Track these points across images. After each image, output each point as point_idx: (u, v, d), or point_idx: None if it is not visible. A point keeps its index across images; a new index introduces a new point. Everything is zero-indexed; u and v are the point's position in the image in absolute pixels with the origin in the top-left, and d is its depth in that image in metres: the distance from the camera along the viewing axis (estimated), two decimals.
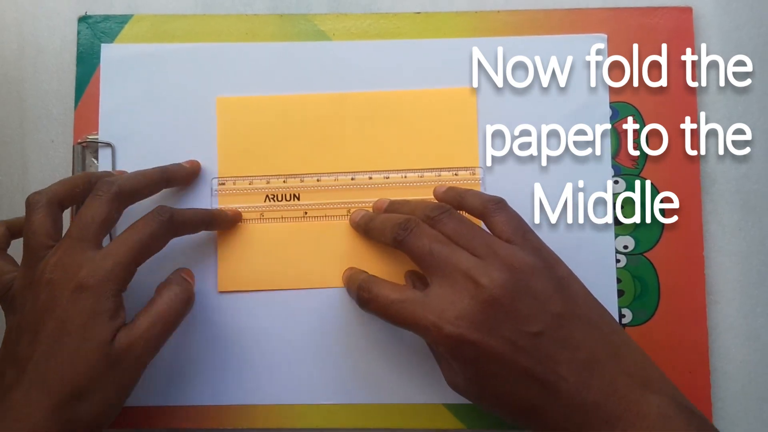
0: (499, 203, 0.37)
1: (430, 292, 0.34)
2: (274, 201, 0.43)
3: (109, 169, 0.43)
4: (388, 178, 0.42)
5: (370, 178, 0.42)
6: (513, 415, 0.34)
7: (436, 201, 0.40)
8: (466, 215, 0.38)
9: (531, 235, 0.36)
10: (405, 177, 0.42)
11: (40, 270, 0.35)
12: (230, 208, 0.42)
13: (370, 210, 0.42)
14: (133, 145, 0.43)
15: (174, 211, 0.37)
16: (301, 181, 0.43)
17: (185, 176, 0.42)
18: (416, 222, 0.36)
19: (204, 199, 0.43)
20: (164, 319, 0.36)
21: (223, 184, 0.43)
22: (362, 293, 0.37)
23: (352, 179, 0.42)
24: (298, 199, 0.42)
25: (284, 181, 0.43)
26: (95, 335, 0.34)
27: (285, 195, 0.43)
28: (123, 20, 0.44)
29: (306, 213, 0.42)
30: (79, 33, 0.44)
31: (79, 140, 0.43)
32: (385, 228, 0.38)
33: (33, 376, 0.33)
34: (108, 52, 0.44)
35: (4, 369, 0.35)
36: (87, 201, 0.36)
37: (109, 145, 0.43)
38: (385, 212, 0.41)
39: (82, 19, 0.44)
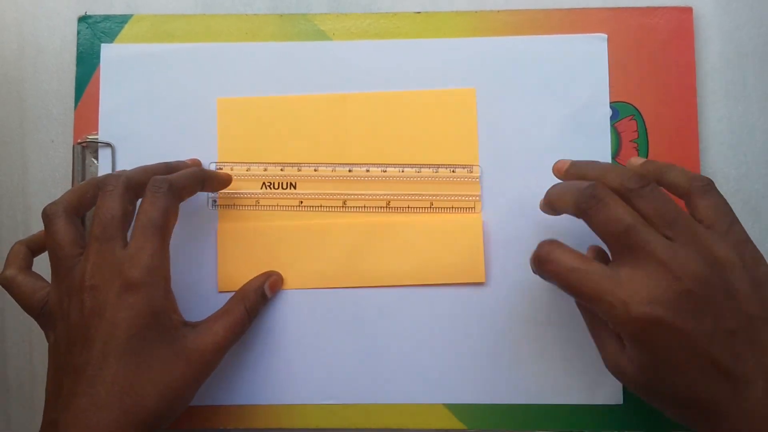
0: (709, 184, 0.34)
1: (619, 270, 0.32)
2: (271, 188, 0.43)
3: (108, 169, 0.43)
4: (385, 171, 0.42)
5: (368, 170, 0.42)
6: (684, 411, 0.32)
7: (626, 168, 0.36)
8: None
9: (737, 226, 0.34)
10: (402, 171, 0.42)
11: (77, 278, 0.35)
12: (221, 171, 0.42)
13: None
14: (133, 145, 0.43)
15: (169, 179, 0.37)
16: (299, 170, 0.43)
17: (189, 172, 0.41)
18: (607, 192, 0.33)
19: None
20: (237, 331, 0.38)
21: (221, 168, 0.43)
22: (540, 253, 0.34)
23: (350, 171, 0.42)
24: (295, 187, 0.42)
25: (281, 170, 0.43)
26: (158, 334, 0.34)
27: (282, 183, 0.43)
28: (123, 20, 0.44)
29: (301, 202, 0.42)
30: (79, 33, 0.44)
31: (79, 140, 0.43)
32: (567, 193, 0.35)
33: (97, 381, 0.33)
34: (108, 52, 0.44)
35: (60, 380, 0.35)
36: (99, 200, 0.36)
37: (109, 145, 0.43)
38: (568, 176, 0.38)
39: (82, 19, 0.44)
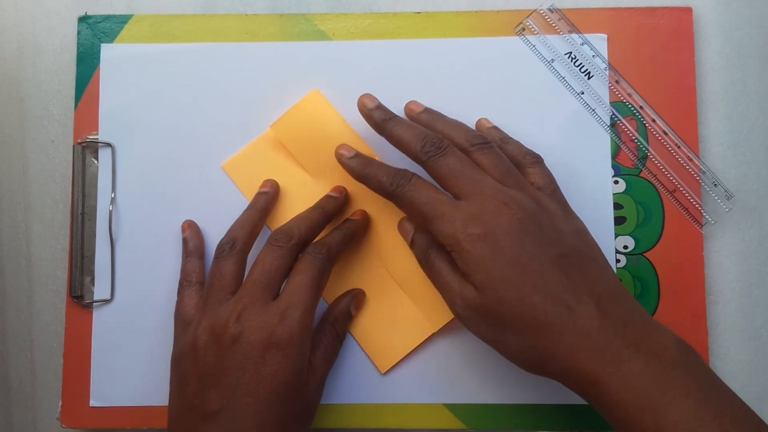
0: (537, 158, 0.39)
1: (460, 201, 0.36)
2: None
3: (108, 169, 0.43)
4: None
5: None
6: (525, 336, 0.34)
7: (473, 129, 0.40)
8: None
9: (559, 193, 0.38)
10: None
11: (224, 317, 0.36)
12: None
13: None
14: (133, 145, 0.43)
15: (327, 242, 0.39)
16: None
17: (339, 207, 0.42)
18: (448, 143, 0.37)
19: (213, 180, 0.43)
20: (333, 360, 0.40)
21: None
22: (401, 179, 0.37)
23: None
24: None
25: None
26: (296, 390, 0.35)
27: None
28: (123, 20, 0.44)
29: None
30: (79, 33, 0.44)
31: (79, 140, 0.43)
32: (414, 140, 0.37)
33: (230, 430, 0.34)
34: (108, 52, 0.44)
35: (187, 419, 0.35)
36: (266, 250, 0.37)
37: (109, 145, 0.43)
38: (418, 120, 0.40)
39: (82, 19, 0.44)
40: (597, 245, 0.37)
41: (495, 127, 0.42)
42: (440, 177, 0.37)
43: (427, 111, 0.40)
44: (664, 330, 0.34)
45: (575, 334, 0.33)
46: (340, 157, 0.40)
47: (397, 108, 0.42)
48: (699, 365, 0.33)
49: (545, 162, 0.40)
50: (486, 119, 0.42)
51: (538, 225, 0.35)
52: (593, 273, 0.35)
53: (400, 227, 0.41)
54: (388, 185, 0.37)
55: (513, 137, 0.41)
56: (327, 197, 0.41)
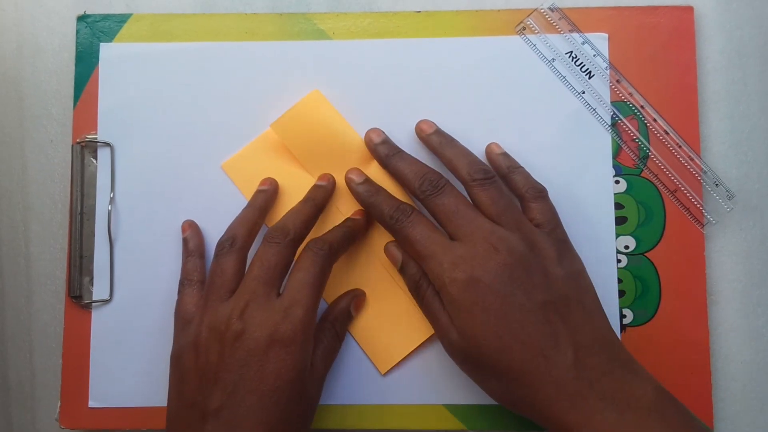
0: (542, 192, 0.39)
1: (453, 241, 0.36)
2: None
3: (108, 169, 0.43)
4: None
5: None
6: (502, 382, 0.34)
7: (478, 160, 0.39)
8: None
9: (560, 229, 0.38)
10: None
11: (226, 313, 0.36)
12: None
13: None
14: (132, 144, 0.43)
15: (329, 240, 0.39)
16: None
17: (328, 195, 0.42)
18: (446, 181, 0.38)
19: (212, 179, 0.43)
20: (332, 359, 0.40)
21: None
22: (400, 214, 0.38)
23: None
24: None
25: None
26: (299, 388, 0.35)
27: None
28: (122, 19, 0.44)
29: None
30: (78, 32, 0.44)
31: (78, 140, 0.43)
32: (413, 177, 0.38)
33: (236, 428, 0.34)
34: (107, 51, 0.44)
35: (187, 416, 0.35)
36: (264, 248, 0.37)
37: (108, 144, 0.43)
38: (427, 142, 0.40)
39: (81, 19, 0.44)
40: (591, 288, 0.37)
41: (504, 154, 0.41)
42: (436, 216, 0.38)
43: (438, 134, 0.41)
44: (642, 377, 0.34)
45: (551, 385, 0.33)
46: (349, 182, 0.41)
47: (399, 109, 0.43)
48: (675, 411, 0.33)
49: (549, 192, 0.40)
50: (496, 144, 0.41)
51: (526, 270, 0.35)
52: (578, 321, 0.35)
53: (388, 252, 0.41)
54: (387, 218, 0.38)
55: (522, 166, 0.41)
56: (315, 187, 0.41)
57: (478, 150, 0.42)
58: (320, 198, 0.41)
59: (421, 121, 0.41)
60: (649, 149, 0.42)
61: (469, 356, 0.35)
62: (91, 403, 0.42)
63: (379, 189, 0.40)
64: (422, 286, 0.38)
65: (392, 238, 0.41)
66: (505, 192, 0.38)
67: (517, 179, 0.40)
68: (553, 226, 0.38)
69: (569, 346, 0.34)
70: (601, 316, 0.36)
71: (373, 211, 0.40)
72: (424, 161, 0.40)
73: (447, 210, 0.37)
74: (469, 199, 0.38)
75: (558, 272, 0.36)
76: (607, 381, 0.33)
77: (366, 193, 0.40)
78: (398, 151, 0.40)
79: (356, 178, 0.40)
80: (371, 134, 0.41)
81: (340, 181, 0.42)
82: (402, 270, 0.40)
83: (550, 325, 0.34)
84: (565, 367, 0.33)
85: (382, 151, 0.40)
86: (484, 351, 0.34)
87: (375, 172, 0.42)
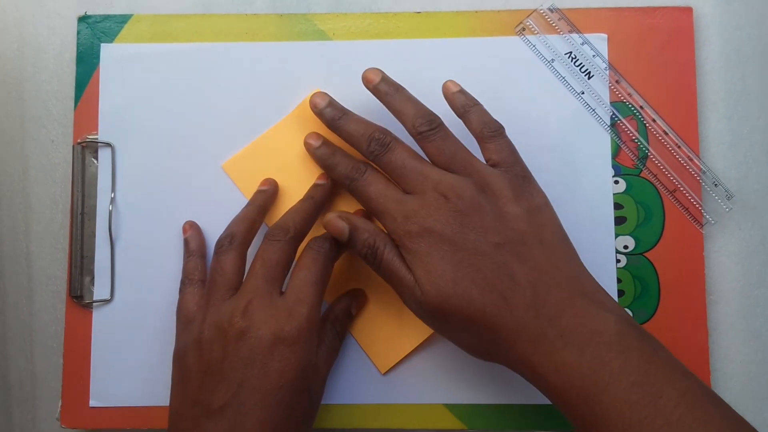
0: (497, 129, 0.38)
1: (406, 197, 0.36)
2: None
3: (108, 169, 0.43)
4: None
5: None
6: (470, 333, 0.34)
7: (423, 109, 0.38)
8: None
9: (519, 167, 0.37)
10: None
11: (228, 311, 0.36)
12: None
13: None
14: (133, 144, 0.43)
15: (329, 238, 0.38)
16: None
17: (328, 193, 0.41)
18: (392, 138, 0.38)
19: (213, 180, 0.43)
20: (334, 358, 0.40)
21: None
22: (356, 173, 0.38)
23: None
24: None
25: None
26: (302, 386, 0.35)
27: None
28: (123, 20, 0.44)
29: None
30: (78, 33, 0.44)
31: (78, 140, 0.43)
32: (361, 139, 0.38)
33: (238, 427, 0.34)
34: (108, 51, 0.44)
35: (191, 413, 0.35)
36: (265, 246, 0.37)
37: (108, 145, 0.43)
38: (375, 91, 0.39)
39: (82, 19, 0.44)
40: (552, 222, 0.36)
41: (461, 91, 0.39)
42: (388, 174, 0.38)
43: (385, 81, 0.39)
44: (606, 309, 0.33)
45: (512, 326, 0.33)
46: (308, 147, 0.41)
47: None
48: (638, 345, 0.32)
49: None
50: (452, 82, 0.40)
51: (478, 213, 0.35)
52: (536, 258, 0.34)
53: (330, 224, 0.38)
54: (345, 179, 0.38)
55: (481, 103, 0.39)
56: (314, 186, 0.41)
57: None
58: (320, 196, 0.41)
59: (367, 70, 0.40)
60: (648, 149, 0.43)
61: (433, 310, 0.34)
62: (92, 403, 0.42)
63: (336, 149, 0.40)
64: (378, 248, 0.36)
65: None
66: (452, 137, 0.37)
67: (473, 118, 0.38)
68: (510, 163, 0.37)
69: (527, 286, 0.33)
70: (564, 250, 0.36)
71: (332, 174, 0.40)
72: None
73: (395, 166, 0.37)
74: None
75: (514, 210, 0.35)
76: (568, 317, 0.33)
77: (324, 155, 0.40)
78: (345, 113, 0.40)
79: (314, 143, 0.40)
80: (315, 99, 0.40)
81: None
82: (351, 240, 0.37)
83: (505, 266, 0.34)
84: (525, 306, 0.33)
85: (329, 114, 0.40)
86: (446, 299, 0.34)
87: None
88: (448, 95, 0.40)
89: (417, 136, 0.37)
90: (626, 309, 0.42)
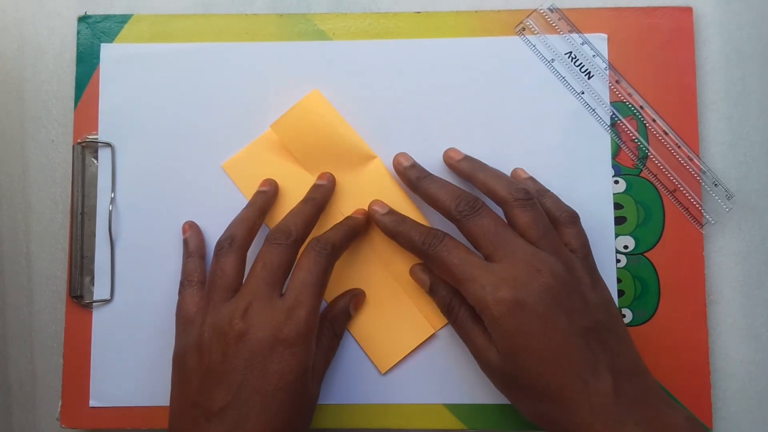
0: (575, 217, 0.39)
1: (491, 263, 0.36)
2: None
3: (108, 169, 0.43)
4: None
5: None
6: (540, 404, 0.34)
7: (516, 181, 0.39)
8: None
9: (591, 257, 0.38)
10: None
11: (228, 314, 0.36)
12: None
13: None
14: (133, 144, 0.43)
15: (331, 239, 0.38)
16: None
17: (328, 194, 0.42)
18: (483, 203, 0.38)
19: (213, 180, 0.43)
20: (331, 358, 0.40)
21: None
22: (433, 239, 0.38)
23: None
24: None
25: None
26: (301, 388, 0.35)
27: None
28: (123, 20, 0.44)
29: None
30: (78, 33, 0.44)
31: (79, 140, 0.43)
32: (448, 199, 0.38)
33: (239, 428, 0.34)
34: (108, 52, 0.44)
35: (192, 415, 0.35)
36: (267, 248, 0.37)
37: (108, 144, 0.43)
38: (457, 168, 0.40)
39: (82, 19, 0.44)
40: (620, 316, 0.38)
41: (531, 178, 0.41)
42: (473, 237, 0.37)
43: (467, 159, 0.41)
44: (675, 407, 0.35)
45: (589, 410, 0.33)
46: (373, 214, 0.41)
47: (399, 109, 0.43)
48: None
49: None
50: (522, 170, 0.41)
51: (567, 294, 0.35)
52: (615, 347, 0.35)
53: (414, 276, 0.41)
54: (420, 244, 0.38)
55: (550, 190, 0.41)
56: (315, 186, 0.41)
57: (482, 155, 0.42)
58: (320, 197, 0.41)
59: (448, 150, 0.41)
60: (648, 149, 0.43)
61: (508, 377, 0.35)
62: (92, 403, 0.42)
63: (405, 218, 0.40)
64: (454, 307, 0.38)
65: (396, 247, 0.41)
66: (544, 213, 0.38)
67: (550, 203, 0.39)
68: (586, 252, 0.38)
69: (608, 372, 0.34)
70: (632, 345, 0.37)
71: (401, 240, 0.39)
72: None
73: (486, 231, 0.36)
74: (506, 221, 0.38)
75: (594, 298, 0.36)
76: (643, 408, 0.34)
77: (392, 223, 0.40)
78: (428, 174, 0.40)
79: (380, 210, 0.40)
80: (400, 158, 0.41)
81: (340, 180, 0.42)
82: (431, 292, 0.40)
83: (590, 350, 0.34)
84: (604, 392, 0.33)
85: (413, 174, 0.40)
86: (525, 373, 0.34)
87: (376, 177, 0.42)
88: (520, 180, 0.41)
89: (514, 202, 0.37)
90: (626, 309, 0.42)
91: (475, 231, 0.37)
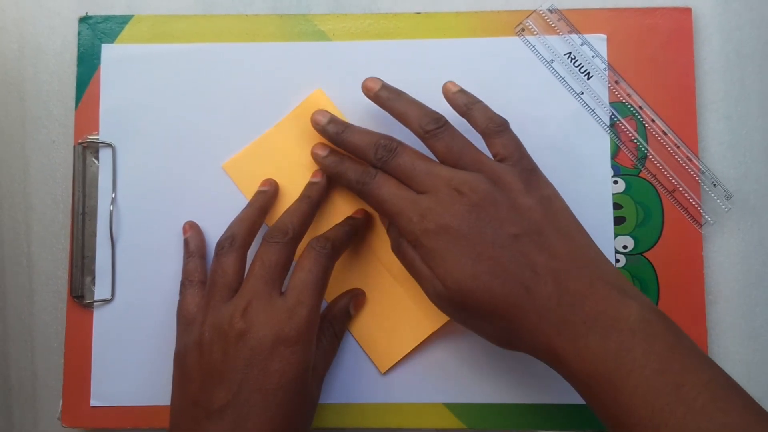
0: (502, 124, 0.38)
1: (419, 196, 0.36)
2: None
3: (109, 170, 0.43)
4: None
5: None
6: (492, 322, 0.35)
7: (427, 109, 0.39)
8: None
9: (526, 159, 0.38)
10: None
11: (229, 313, 0.36)
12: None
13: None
14: (134, 145, 0.43)
15: (331, 239, 0.39)
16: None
17: (323, 191, 0.42)
18: (398, 143, 0.38)
19: (213, 180, 0.43)
20: (332, 358, 0.41)
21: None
22: (365, 176, 0.38)
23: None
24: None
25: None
26: (301, 387, 0.36)
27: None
28: (123, 21, 0.44)
29: None
30: (79, 33, 0.44)
31: (79, 140, 0.43)
32: (367, 148, 0.38)
33: (239, 427, 0.34)
34: (108, 52, 0.44)
35: (193, 414, 0.35)
36: (264, 247, 0.38)
37: (109, 145, 0.43)
38: (376, 99, 0.40)
39: (83, 20, 0.44)
40: (564, 210, 0.37)
41: (461, 91, 0.40)
42: (398, 177, 0.38)
43: (385, 88, 0.40)
44: (629, 296, 0.33)
45: (535, 314, 0.33)
46: (315, 157, 0.41)
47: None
48: (662, 333, 0.32)
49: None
50: (452, 83, 0.40)
51: (493, 206, 0.35)
52: (554, 246, 0.35)
53: (381, 217, 0.41)
54: (354, 183, 0.38)
55: (480, 100, 0.40)
56: (309, 184, 0.42)
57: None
58: (315, 194, 0.41)
59: (366, 79, 0.40)
60: (647, 150, 0.43)
61: (455, 303, 0.35)
62: (93, 402, 0.42)
63: (344, 157, 0.40)
64: (402, 243, 0.37)
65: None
66: (459, 135, 0.38)
67: (476, 115, 0.39)
68: (518, 157, 0.37)
69: (548, 274, 0.34)
70: (580, 236, 0.36)
71: (341, 180, 0.40)
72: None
73: (405, 169, 0.37)
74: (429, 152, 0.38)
75: (526, 202, 0.35)
76: (590, 303, 0.33)
77: (332, 163, 0.40)
78: (347, 126, 0.40)
79: (321, 152, 0.41)
80: (316, 116, 0.41)
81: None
82: (387, 233, 0.39)
83: (525, 256, 0.34)
84: (547, 295, 0.33)
85: (332, 129, 0.40)
86: (469, 295, 0.34)
87: None
88: (449, 96, 0.40)
89: (424, 135, 0.38)
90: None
91: (397, 171, 0.37)
